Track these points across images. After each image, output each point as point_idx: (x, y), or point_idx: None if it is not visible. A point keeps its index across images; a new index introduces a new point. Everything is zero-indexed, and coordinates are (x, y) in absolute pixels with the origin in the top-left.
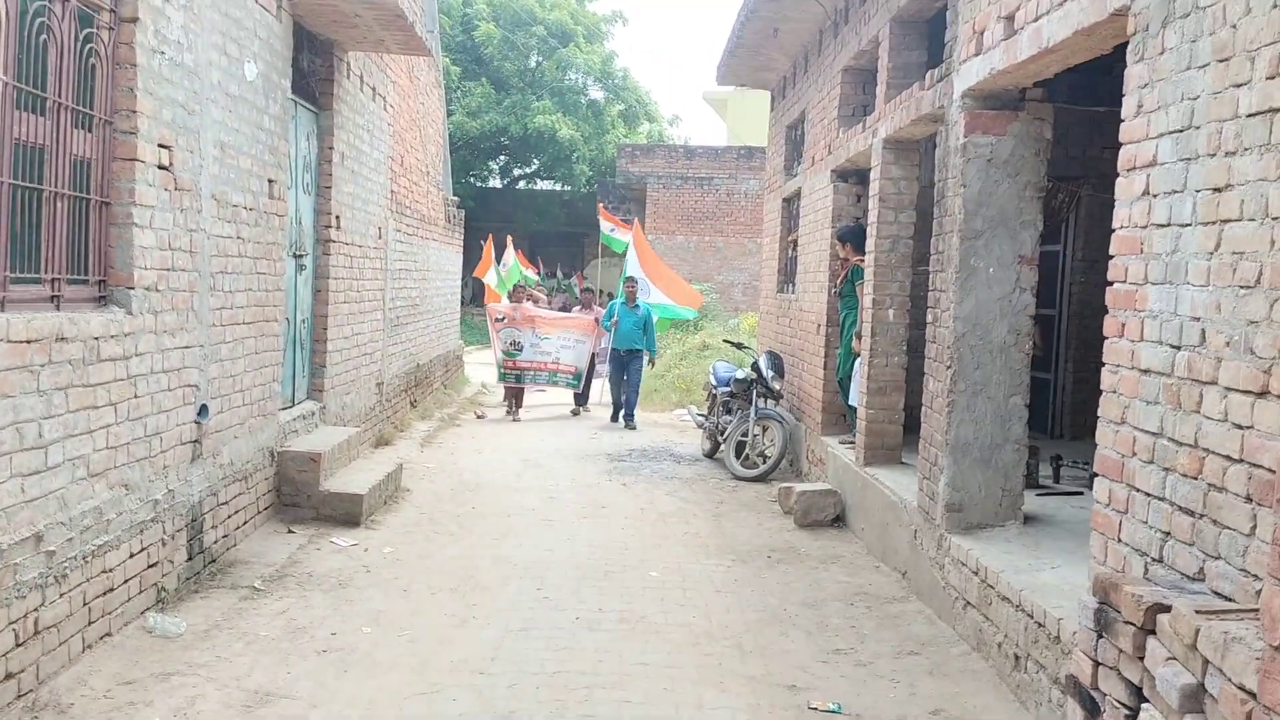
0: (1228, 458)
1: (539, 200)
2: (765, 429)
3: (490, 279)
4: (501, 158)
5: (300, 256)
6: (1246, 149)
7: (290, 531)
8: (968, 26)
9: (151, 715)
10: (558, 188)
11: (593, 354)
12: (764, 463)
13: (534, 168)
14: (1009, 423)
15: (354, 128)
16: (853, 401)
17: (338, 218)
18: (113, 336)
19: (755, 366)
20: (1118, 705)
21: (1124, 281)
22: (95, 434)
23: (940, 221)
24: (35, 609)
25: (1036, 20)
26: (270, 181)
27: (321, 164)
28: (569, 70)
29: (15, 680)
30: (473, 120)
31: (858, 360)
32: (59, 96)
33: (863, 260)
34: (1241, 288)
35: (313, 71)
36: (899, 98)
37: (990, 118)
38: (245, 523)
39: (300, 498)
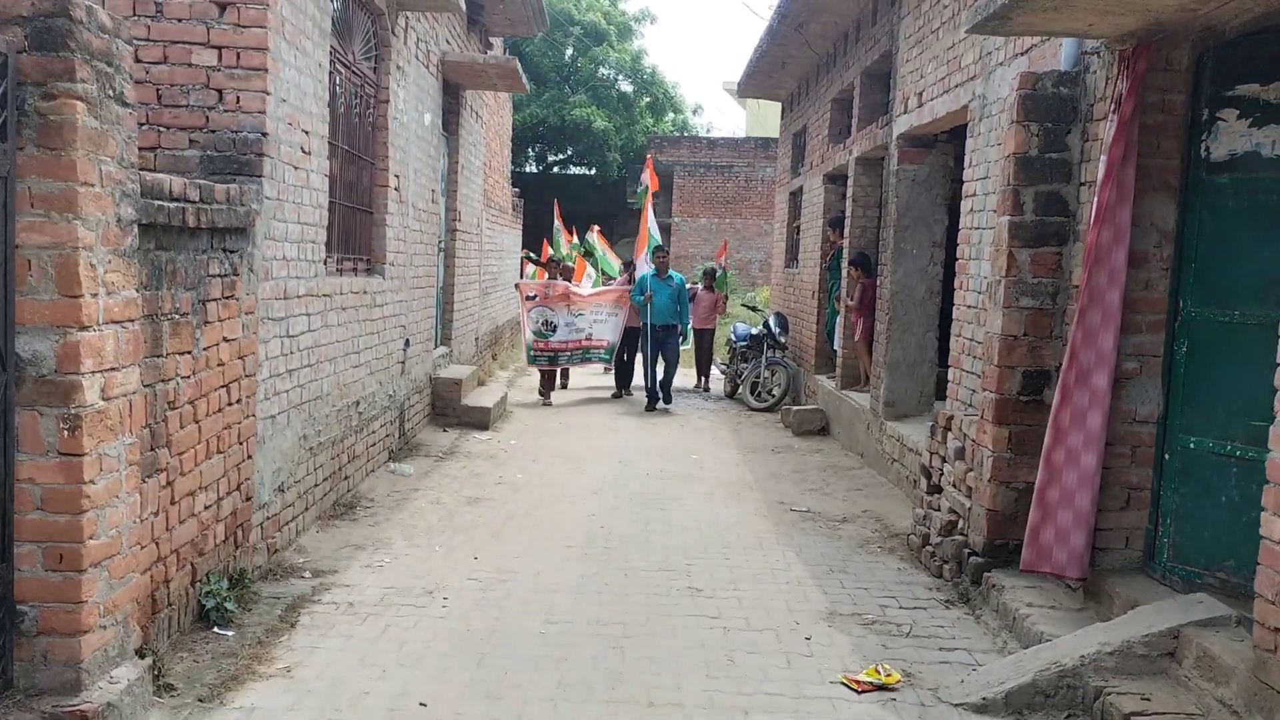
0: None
1: (572, 184)
2: (774, 372)
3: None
4: (538, 145)
5: (439, 242)
6: (989, 193)
7: (444, 430)
8: (900, 94)
9: (418, 501)
10: (589, 172)
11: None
12: (772, 398)
13: (568, 154)
14: (925, 350)
15: (467, 145)
16: (835, 346)
17: (459, 213)
18: (378, 293)
19: (766, 325)
20: (938, 469)
21: (962, 259)
22: (373, 349)
23: (883, 219)
24: (351, 444)
25: (931, 101)
26: (433, 190)
27: (450, 175)
28: (601, 66)
29: (345, 480)
30: (515, 113)
31: (838, 316)
32: (349, 147)
33: (843, 242)
34: (990, 263)
35: (448, 109)
36: (865, 130)
37: (914, 153)
38: (420, 421)
39: (448, 409)
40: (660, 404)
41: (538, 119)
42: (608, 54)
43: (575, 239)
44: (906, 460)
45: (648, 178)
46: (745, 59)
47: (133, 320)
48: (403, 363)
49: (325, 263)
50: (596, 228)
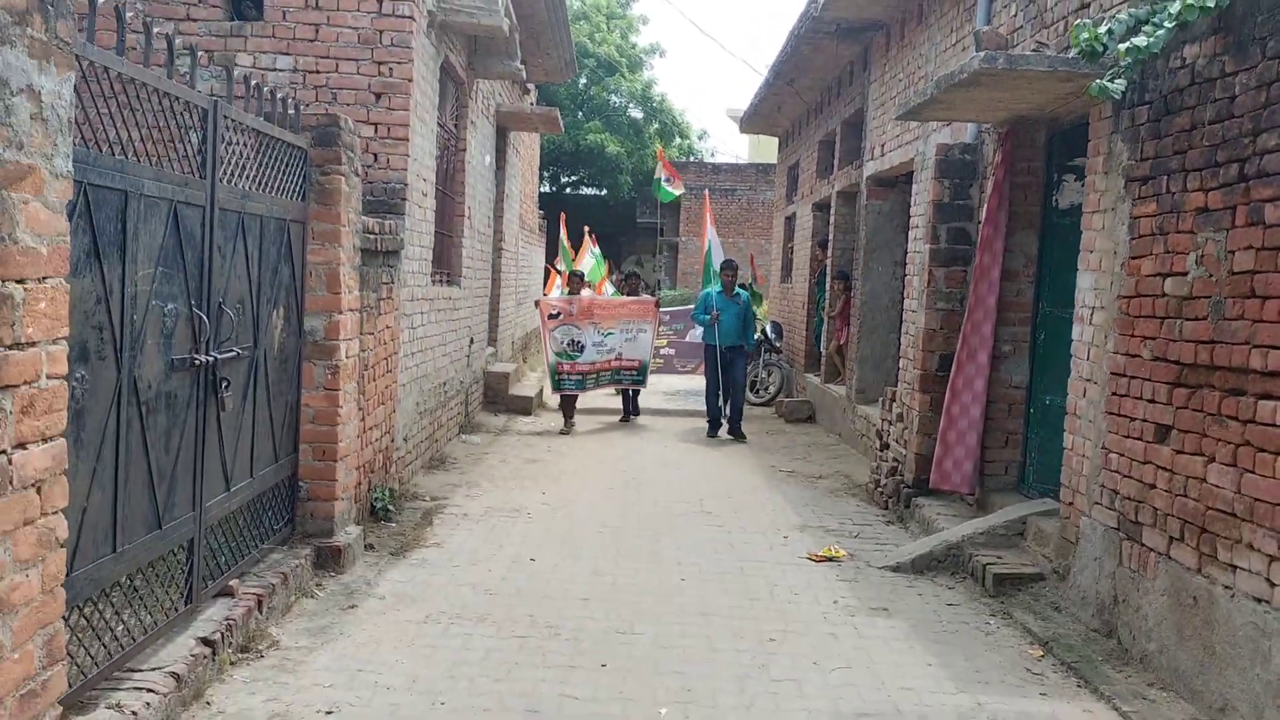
0: (911, 339)
1: (584, 204)
2: (770, 373)
3: (586, 264)
4: (552, 168)
5: (490, 259)
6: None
7: (495, 415)
8: (868, 144)
9: (490, 460)
10: (601, 193)
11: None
12: (768, 394)
13: (580, 176)
14: (888, 347)
15: (510, 177)
16: (821, 348)
17: (503, 235)
18: (457, 299)
19: (764, 332)
20: (886, 431)
21: (908, 275)
22: (453, 343)
23: (856, 242)
24: (439, 415)
25: (890, 152)
26: (488, 216)
27: (498, 203)
28: (614, 95)
29: (435, 443)
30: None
31: (824, 323)
32: (441, 186)
33: (827, 260)
34: (918, 278)
35: (498, 147)
36: (843, 170)
37: (879, 191)
38: (476, 406)
39: (497, 398)
40: (725, 433)
41: (554, 144)
42: (620, 84)
43: (595, 246)
44: (870, 434)
45: (666, 176)
46: (748, 88)
47: (355, 310)
48: (468, 356)
49: (430, 275)
50: (589, 230)
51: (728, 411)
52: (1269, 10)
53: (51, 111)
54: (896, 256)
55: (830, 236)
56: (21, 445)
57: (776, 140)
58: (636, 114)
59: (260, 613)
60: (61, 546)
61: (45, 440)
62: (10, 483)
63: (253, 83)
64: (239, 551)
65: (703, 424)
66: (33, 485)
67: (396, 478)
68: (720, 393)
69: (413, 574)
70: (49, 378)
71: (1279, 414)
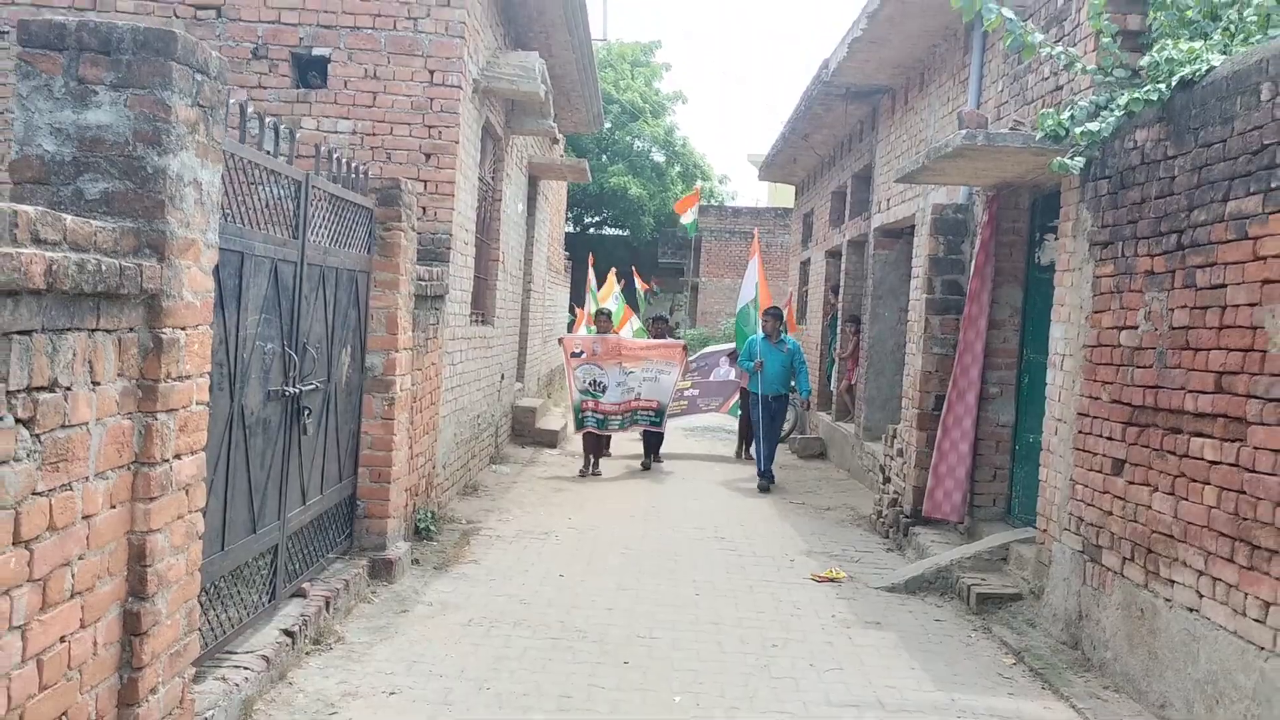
0: (910, 379)
1: (607, 244)
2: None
3: (612, 303)
4: (575, 209)
5: (520, 299)
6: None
7: (522, 447)
8: (876, 197)
9: (519, 489)
10: (623, 233)
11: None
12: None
13: (603, 216)
14: (894, 387)
15: (539, 222)
16: (833, 388)
17: (533, 277)
18: (491, 338)
19: None
20: (888, 466)
21: (910, 321)
22: (486, 378)
23: (864, 289)
24: (473, 445)
25: (895, 206)
26: (519, 260)
27: (528, 247)
28: (637, 139)
29: (469, 472)
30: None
31: (835, 363)
32: (479, 234)
33: (839, 305)
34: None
35: (529, 195)
36: (853, 220)
37: (886, 241)
38: (505, 438)
39: (524, 430)
40: (760, 480)
41: (578, 186)
42: (643, 129)
43: (618, 287)
44: (875, 469)
45: (689, 215)
46: (769, 133)
47: (409, 348)
48: (499, 390)
49: (469, 316)
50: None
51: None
52: (1200, 105)
53: (208, 196)
54: (901, 303)
55: (841, 282)
56: (178, 456)
57: (793, 187)
58: (659, 157)
59: (328, 612)
60: (199, 539)
61: (193, 453)
62: (171, 485)
63: (335, 155)
64: (309, 560)
65: (722, 458)
66: (184, 488)
67: (436, 502)
68: (760, 440)
69: (455, 585)
70: (197, 404)
71: (1206, 449)
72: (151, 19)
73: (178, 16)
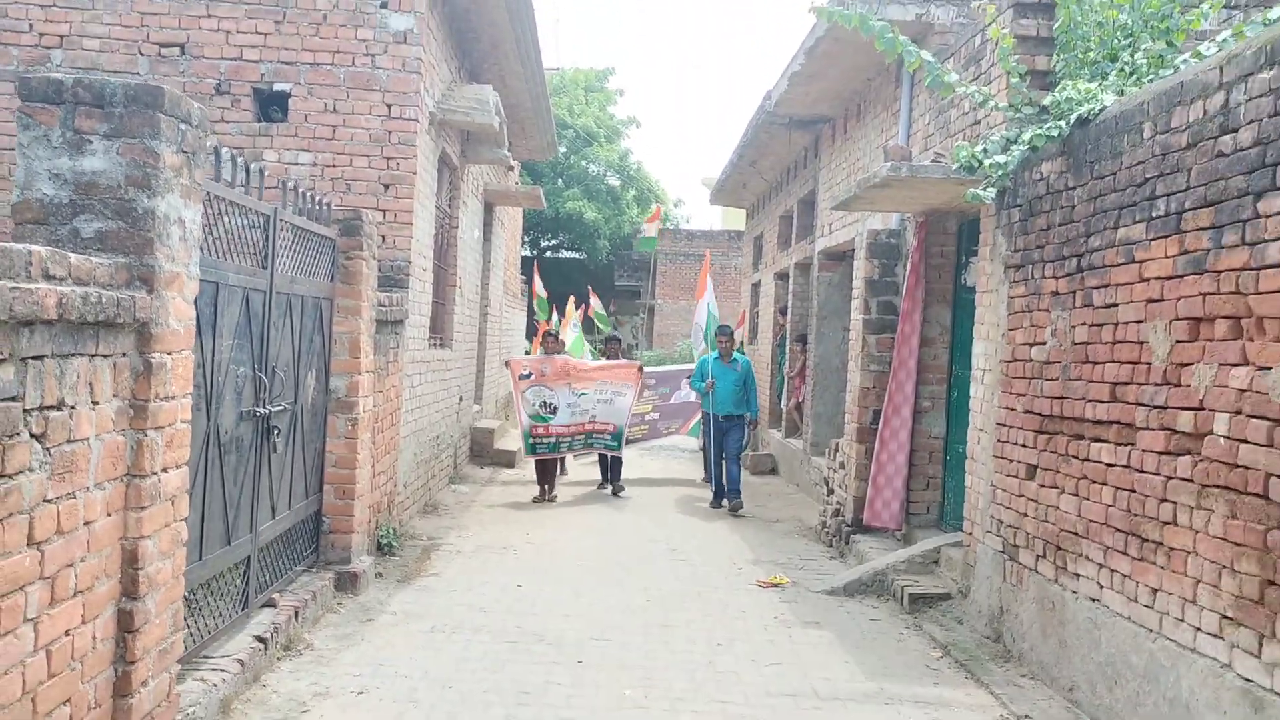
0: (851, 395)
1: (563, 267)
2: None
3: (569, 335)
4: (532, 233)
5: (477, 323)
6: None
7: (481, 467)
8: (819, 222)
9: (478, 507)
10: (580, 257)
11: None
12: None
13: (559, 240)
14: (839, 404)
15: (495, 248)
16: (782, 405)
17: (489, 301)
18: (448, 361)
19: None
20: (831, 478)
21: (852, 340)
22: (444, 400)
23: (810, 309)
24: (433, 466)
25: (836, 231)
26: (476, 284)
27: (484, 272)
28: (592, 164)
29: (429, 491)
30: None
31: (784, 382)
32: (436, 260)
33: (787, 325)
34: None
35: (485, 221)
36: (800, 244)
37: (829, 264)
38: (464, 458)
39: (483, 451)
40: (725, 503)
41: (534, 211)
42: (598, 153)
43: (580, 318)
44: (821, 482)
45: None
46: (721, 158)
47: (371, 371)
48: (458, 412)
49: (427, 340)
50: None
51: (725, 481)
52: (1095, 141)
53: (190, 233)
54: (845, 323)
55: (789, 303)
56: (165, 469)
57: (744, 211)
58: (614, 181)
59: (297, 620)
60: (184, 546)
61: (178, 467)
62: (160, 495)
63: (299, 189)
64: (278, 572)
65: (686, 481)
66: (171, 498)
67: (398, 519)
68: (718, 462)
69: (418, 596)
70: (181, 421)
71: (1103, 453)
72: (117, 56)
73: (143, 54)
